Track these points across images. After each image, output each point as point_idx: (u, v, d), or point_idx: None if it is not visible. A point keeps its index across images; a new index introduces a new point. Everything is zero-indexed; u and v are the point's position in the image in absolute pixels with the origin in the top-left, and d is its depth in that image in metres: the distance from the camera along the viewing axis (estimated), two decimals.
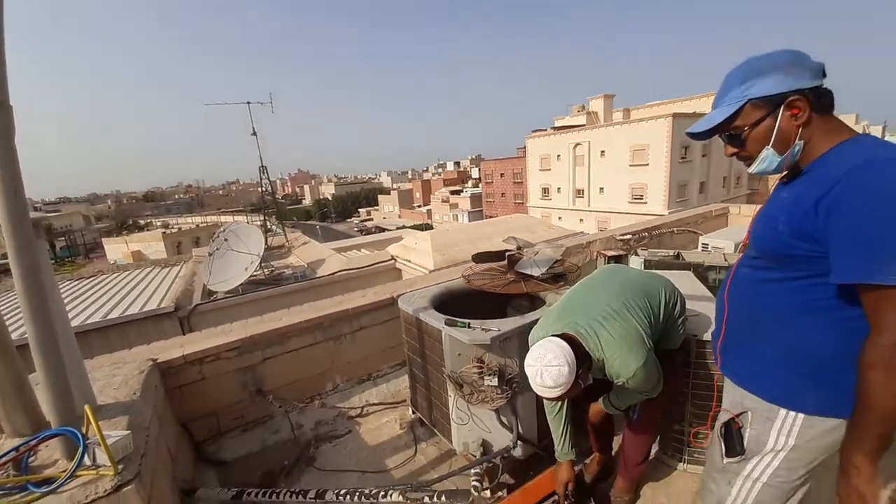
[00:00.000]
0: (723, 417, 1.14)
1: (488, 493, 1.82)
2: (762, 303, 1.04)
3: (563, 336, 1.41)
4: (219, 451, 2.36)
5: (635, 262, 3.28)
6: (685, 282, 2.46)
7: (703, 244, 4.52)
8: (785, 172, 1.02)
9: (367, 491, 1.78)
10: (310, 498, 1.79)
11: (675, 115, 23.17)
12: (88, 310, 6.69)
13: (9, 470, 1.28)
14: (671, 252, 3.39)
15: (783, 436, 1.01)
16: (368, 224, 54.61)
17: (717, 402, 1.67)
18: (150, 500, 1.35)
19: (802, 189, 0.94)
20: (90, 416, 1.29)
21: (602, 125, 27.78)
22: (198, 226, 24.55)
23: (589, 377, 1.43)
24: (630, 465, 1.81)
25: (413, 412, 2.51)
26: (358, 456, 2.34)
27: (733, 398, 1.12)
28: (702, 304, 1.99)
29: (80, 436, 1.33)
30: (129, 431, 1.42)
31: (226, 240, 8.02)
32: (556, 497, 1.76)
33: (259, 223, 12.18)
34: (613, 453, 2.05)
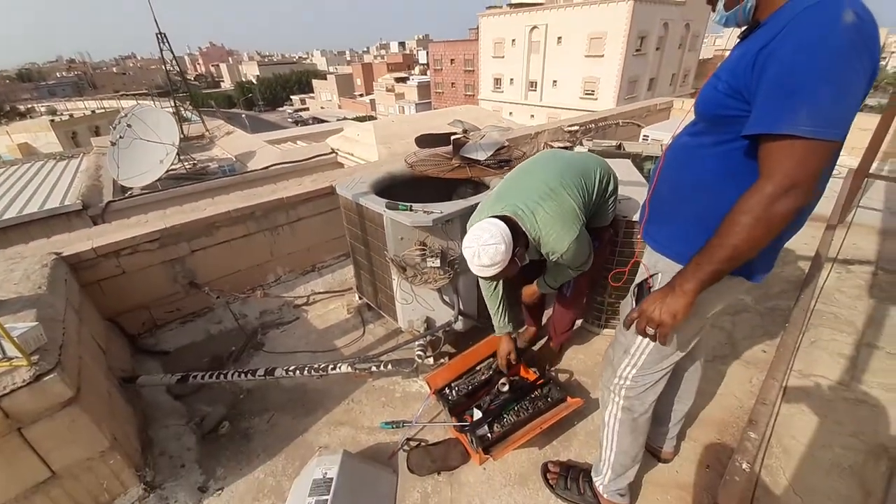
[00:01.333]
0: (638, 278, 1.19)
1: (431, 360, 1.99)
2: (689, 168, 1.03)
3: (502, 217, 1.43)
4: (158, 343, 2.32)
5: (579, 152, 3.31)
6: (623, 170, 2.52)
7: (643, 136, 4.62)
8: (744, 28, 0.95)
9: (316, 365, 1.87)
10: (259, 376, 1.86)
11: (637, 0, 21.66)
12: None
13: None
14: (614, 143, 3.43)
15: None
16: (304, 114, 49.20)
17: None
18: (80, 389, 1.30)
19: (751, 42, 0.86)
20: None
21: (561, 5, 25.44)
22: (94, 112, 20.61)
23: (525, 257, 1.49)
24: (559, 333, 2.04)
25: (359, 298, 2.57)
26: (307, 339, 2.42)
27: (649, 261, 1.16)
28: (635, 190, 2.08)
29: None
30: (36, 323, 1.30)
31: (129, 126, 6.87)
32: (491, 360, 1.98)
33: (170, 109, 10.44)
34: (543, 324, 2.30)
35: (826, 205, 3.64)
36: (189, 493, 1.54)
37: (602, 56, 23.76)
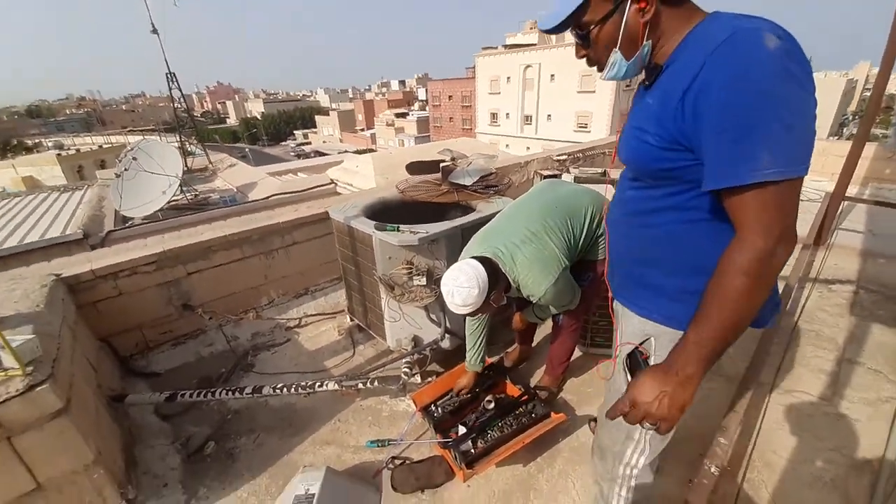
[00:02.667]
0: (626, 350, 1.01)
1: (418, 377, 2.02)
2: (649, 226, 0.94)
3: (483, 259, 1.47)
4: (149, 365, 2.34)
5: (566, 179, 3.46)
6: (608, 195, 2.66)
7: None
8: (643, 77, 0.89)
9: (303, 383, 1.89)
10: (247, 394, 1.88)
11: None
12: None
13: None
14: (599, 170, 3.60)
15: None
16: (306, 148, 50.58)
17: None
18: (69, 402, 1.33)
19: (666, 86, 0.79)
20: None
21: (553, 45, 26.84)
22: (101, 147, 21.15)
23: (503, 297, 1.53)
24: (555, 364, 2.01)
25: (351, 319, 2.61)
26: (297, 360, 2.44)
27: (634, 328, 1.01)
28: None
29: None
30: (34, 336, 1.35)
31: (134, 158, 7.09)
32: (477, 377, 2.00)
33: (175, 144, 10.80)
34: (533, 345, 2.32)
35: (802, 227, 3.77)
36: None
37: (593, 92, 24.83)
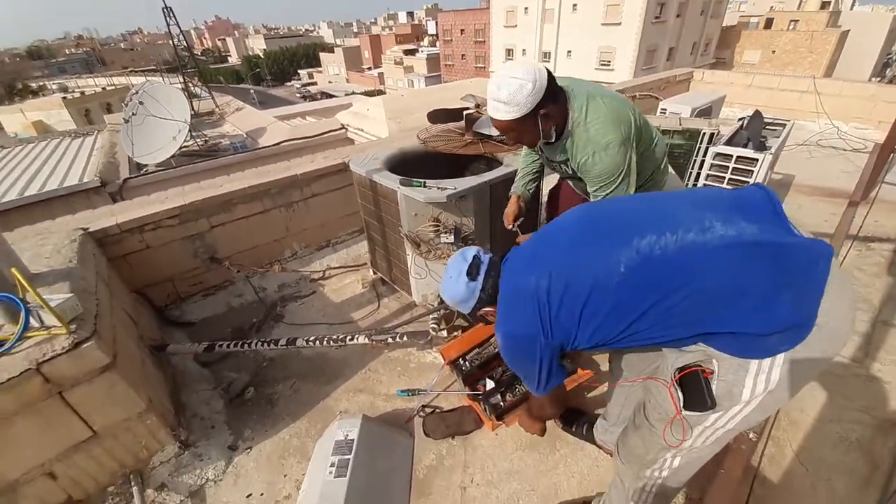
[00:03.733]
0: (677, 366, 0.88)
1: (445, 332, 2.05)
2: None
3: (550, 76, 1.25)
4: (184, 315, 2.42)
5: None
6: None
7: (661, 109, 4.49)
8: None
9: (335, 336, 1.94)
10: (281, 345, 1.94)
11: None
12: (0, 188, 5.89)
13: None
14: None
15: (761, 383, 0.81)
16: (312, 89, 48.49)
17: None
18: (116, 356, 1.38)
19: None
20: (22, 281, 1.20)
21: None
22: (104, 89, 20.58)
23: (551, 133, 1.30)
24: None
25: (374, 273, 2.62)
26: (324, 311, 2.49)
27: (683, 351, 0.88)
28: None
29: (18, 300, 1.27)
30: (72, 294, 1.37)
31: (141, 103, 6.89)
32: None
33: (179, 85, 10.40)
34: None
35: (849, 180, 3.55)
36: (220, 451, 1.65)
37: (619, 24, 22.71)
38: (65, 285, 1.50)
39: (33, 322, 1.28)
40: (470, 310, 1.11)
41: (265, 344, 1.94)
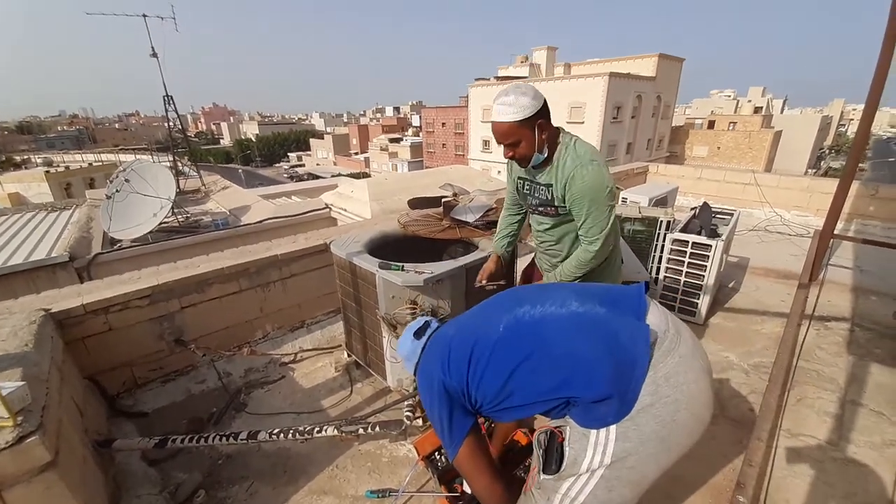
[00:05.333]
0: (545, 429, 1.01)
1: (420, 421, 1.95)
2: None
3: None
4: (136, 404, 2.24)
5: None
6: None
7: (622, 198, 4.90)
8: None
9: (301, 428, 1.82)
10: (241, 439, 1.79)
11: (612, 75, 23.87)
12: None
13: None
14: None
15: (598, 455, 0.88)
16: (300, 170, 50.84)
17: None
18: (58, 453, 1.25)
19: None
20: None
21: (543, 79, 27.84)
22: (91, 164, 20.97)
23: (544, 149, 1.49)
24: None
25: (348, 355, 2.55)
26: (292, 398, 2.35)
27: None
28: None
29: None
30: (24, 382, 1.28)
31: (126, 180, 7.04)
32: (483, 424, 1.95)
33: (168, 164, 10.75)
34: None
35: (797, 263, 3.85)
36: None
37: (582, 123, 25.63)
38: (17, 371, 1.41)
39: None
40: (413, 369, 1.21)
41: (223, 438, 1.79)
